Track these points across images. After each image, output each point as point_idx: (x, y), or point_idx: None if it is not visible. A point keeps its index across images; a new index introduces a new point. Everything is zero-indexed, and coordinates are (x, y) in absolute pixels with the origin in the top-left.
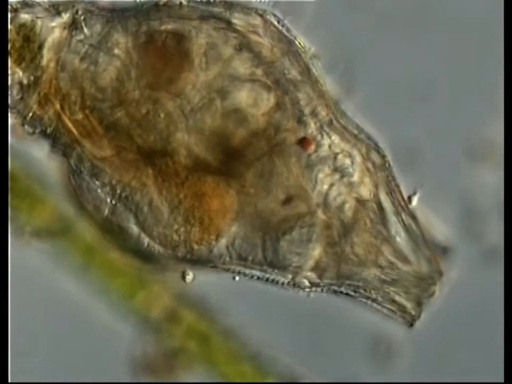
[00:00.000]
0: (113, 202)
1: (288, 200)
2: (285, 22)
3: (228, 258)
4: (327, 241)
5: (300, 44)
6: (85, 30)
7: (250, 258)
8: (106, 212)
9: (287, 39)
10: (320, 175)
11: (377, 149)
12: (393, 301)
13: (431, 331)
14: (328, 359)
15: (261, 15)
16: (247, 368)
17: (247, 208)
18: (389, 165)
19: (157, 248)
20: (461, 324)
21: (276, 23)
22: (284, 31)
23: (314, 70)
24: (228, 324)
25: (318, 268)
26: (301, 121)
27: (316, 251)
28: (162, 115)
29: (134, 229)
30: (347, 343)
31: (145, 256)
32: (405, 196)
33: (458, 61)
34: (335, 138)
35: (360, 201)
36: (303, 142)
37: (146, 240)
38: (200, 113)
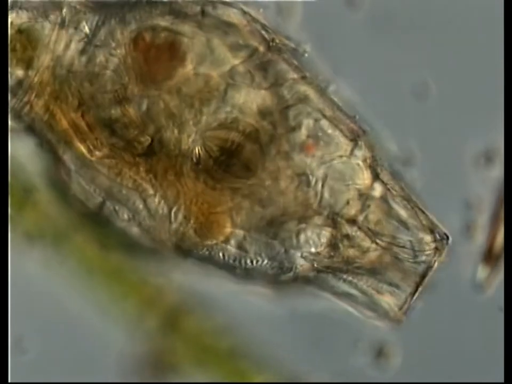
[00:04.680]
0: (103, 197)
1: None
2: (263, 18)
3: (228, 253)
4: (331, 238)
5: (282, 39)
6: (81, 28)
7: (253, 249)
8: (94, 206)
9: (272, 35)
10: (317, 176)
11: (367, 136)
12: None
13: (431, 330)
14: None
15: (243, 12)
16: (244, 366)
17: (251, 214)
18: (378, 154)
19: (148, 241)
20: (461, 323)
21: (257, 19)
22: (267, 27)
23: (301, 63)
24: (223, 322)
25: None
26: (298, 121)
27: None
28: (162, 112)
29: (124, 223)
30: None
31: (132, 249)
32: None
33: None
34: (331, 132)
35: (361, 194)
36: (304, 145)
37: (136, 233)
38: (200, 110)
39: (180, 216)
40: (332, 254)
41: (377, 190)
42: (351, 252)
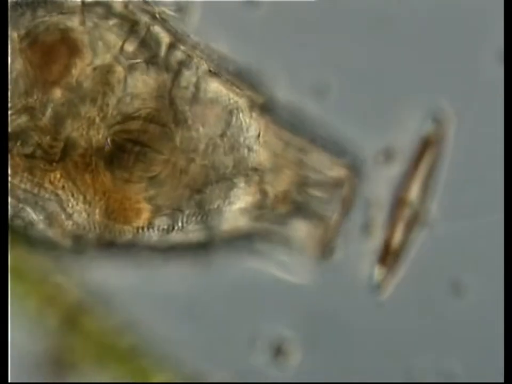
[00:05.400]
0: (20, 204)
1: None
2: None
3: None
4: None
5: (163, 9)
6: None
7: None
8: (10, 212)
9: (153, 7)
10: (225, 137)
11: (258, 91)
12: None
13: (431, 330)
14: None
15: None
16: (145, 364)
17: (174, 195)
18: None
19: (66, 240)
20: (461, 323)
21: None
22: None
23: (184, 29)
24: (123, 320)
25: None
26: (192, 89)
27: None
28: (68, 113)
29: (41, 224)
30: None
31: (52, 249)
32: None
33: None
34: (223, 91)
35: (264, 145)
36: (204, 111)
37: (52, 234)
38: (104, 104)
39: (101, 213)
40: (261, 205)
41: (272, 137)
42: (275, 199)
